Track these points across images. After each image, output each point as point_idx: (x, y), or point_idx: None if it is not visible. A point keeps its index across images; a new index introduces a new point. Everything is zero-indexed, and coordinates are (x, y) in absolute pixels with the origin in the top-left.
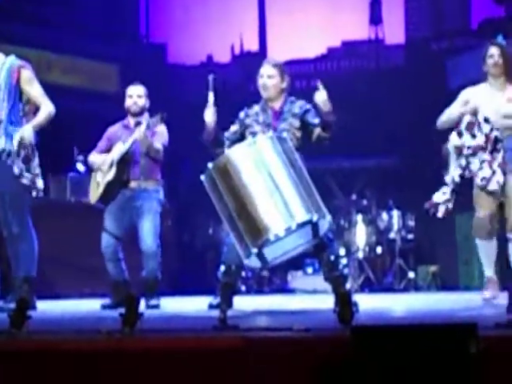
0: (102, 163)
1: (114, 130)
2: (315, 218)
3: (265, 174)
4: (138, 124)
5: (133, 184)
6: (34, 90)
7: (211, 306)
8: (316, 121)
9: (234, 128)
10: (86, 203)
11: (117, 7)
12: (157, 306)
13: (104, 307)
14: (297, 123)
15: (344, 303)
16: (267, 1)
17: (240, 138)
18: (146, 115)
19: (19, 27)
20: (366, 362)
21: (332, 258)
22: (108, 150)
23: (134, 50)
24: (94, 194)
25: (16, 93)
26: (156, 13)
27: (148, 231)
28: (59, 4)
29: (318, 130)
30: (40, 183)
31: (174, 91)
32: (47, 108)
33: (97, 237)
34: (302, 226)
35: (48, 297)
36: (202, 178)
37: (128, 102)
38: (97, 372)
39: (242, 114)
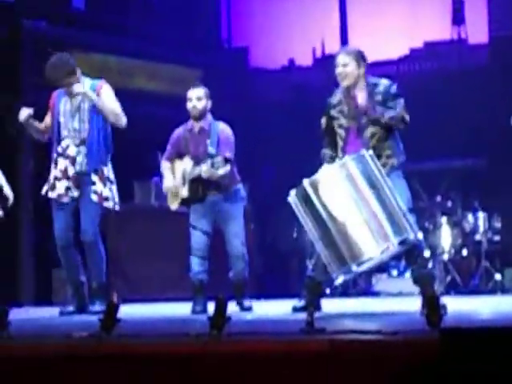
0: (171, 181)
1: (178, 134)
2: (412, 237)
3: (358, 195)
4: (202, 130)
5: (210, 195)
6: (111, 100)
7: (295, 309)
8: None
9: (324, 123)
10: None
11: (198, 12)
12: (250, 309)
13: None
14: (379, 109)
15: (432, 305)
16: (348, 3)
17: (332, 129)
18: (209, 117)
19: (102, 36)
20: (455, 364)
21: (420, 256)
22: (178, 154)
23: (216, 54)
24: (173, 201)
25: (99, 115)
26: (238, 17)
27: (235, 234)
28: (141, 11)
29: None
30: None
31: (256, 95)
32: (122, 113)
33: (181, 240)
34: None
35: (133, 300)
36: (292, 194)
37: (188, 106)
38: (186, 375)
39: (326, 107)
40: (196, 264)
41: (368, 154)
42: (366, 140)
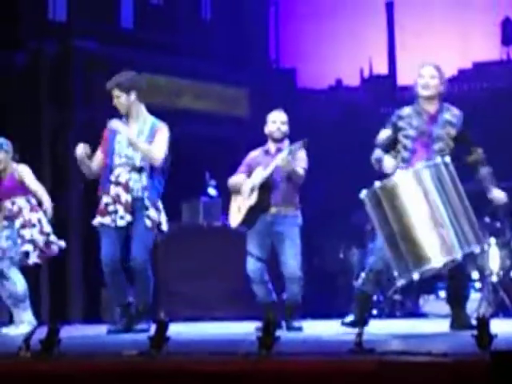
0: (243, 186)
1: (254, 155)
2: (477, 250)
3: (432, 202)
4: (279, 150)
5: (273, 209)
6: (159, 141)
7: (344, 323)
8: (473, 142)
9: (386, 133)
10: (219, 227)
11: (247, 33)
12: (300, 329)
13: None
14: (453, 132)
15: (482, 327)
16: (396, 24)
17: (393, 141)
18: (287, 142)
19: (150, 55)
20: None
21: (464, 276)
22: (248, 176)
23: (264, 74)
24: (235, 217)
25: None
26: (286, 38)
27: (292, 256)
28: (189, 31)
29: (476, 155)
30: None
31: (303, 115)
32: (159, 156)
33: (229, 260)
34: None
35: (180, 319)
36: (363, 194)
37: (271, 128)
38: None
39: (393, 118)
40: (257, 290)
41: (443, 161)
42: (434, 153)
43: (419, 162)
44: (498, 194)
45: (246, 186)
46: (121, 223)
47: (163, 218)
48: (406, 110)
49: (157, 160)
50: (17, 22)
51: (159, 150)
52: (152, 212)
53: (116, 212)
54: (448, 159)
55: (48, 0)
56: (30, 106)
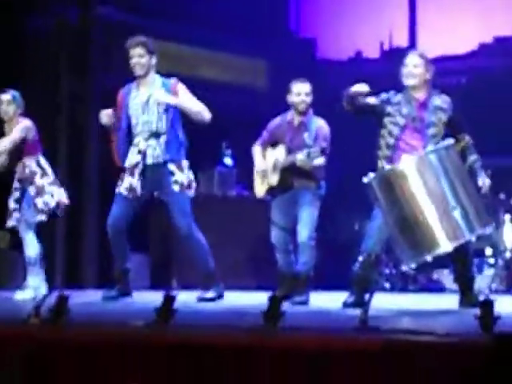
0: (263, 164)
1: (277, 123)
2: (488, 231)
3: (439, 187)
4: (302, 124)
5: (296, 184)
6: (190, 97)
7: (346, 305)
8: (462, 129)
9: (371, 100)
10: (233, 196)
11: (266, 2)
12: (304, 303)
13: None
14: (444, 118)
15: (486, 309)
16: None
17: (370, 113)
18: (311, 112)
19: (169, 24)
20: (507, 370)
21: (468, 257)
22: (271, 143)
23: (284, 45)
24: (260, 189)
25: (175, 109)
26: (306, 8)
27: (305, 223)
28: (209, 1)
29: (463, 143)
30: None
31: (322, 86)
32: (204, 108)
33: (243, 229)
34: None
35: (193, 287)
36: (371, 176)
37: (295, 99)
38: (238, 367)
39: (383, 95)
40: (280, 259)
41: (447, 145)
42: (428, 138)
43: (407, 148)
44: (485, 182)
45: (268, 159)
46: (132, 194)
47: (191, 177)
48: (397, 97)
49: (208, 117)
50: None
51: (202, 106)
52: (178, 175)
53: (130, 182)
54: (451, 142)
55: None
56: (49, 72)
